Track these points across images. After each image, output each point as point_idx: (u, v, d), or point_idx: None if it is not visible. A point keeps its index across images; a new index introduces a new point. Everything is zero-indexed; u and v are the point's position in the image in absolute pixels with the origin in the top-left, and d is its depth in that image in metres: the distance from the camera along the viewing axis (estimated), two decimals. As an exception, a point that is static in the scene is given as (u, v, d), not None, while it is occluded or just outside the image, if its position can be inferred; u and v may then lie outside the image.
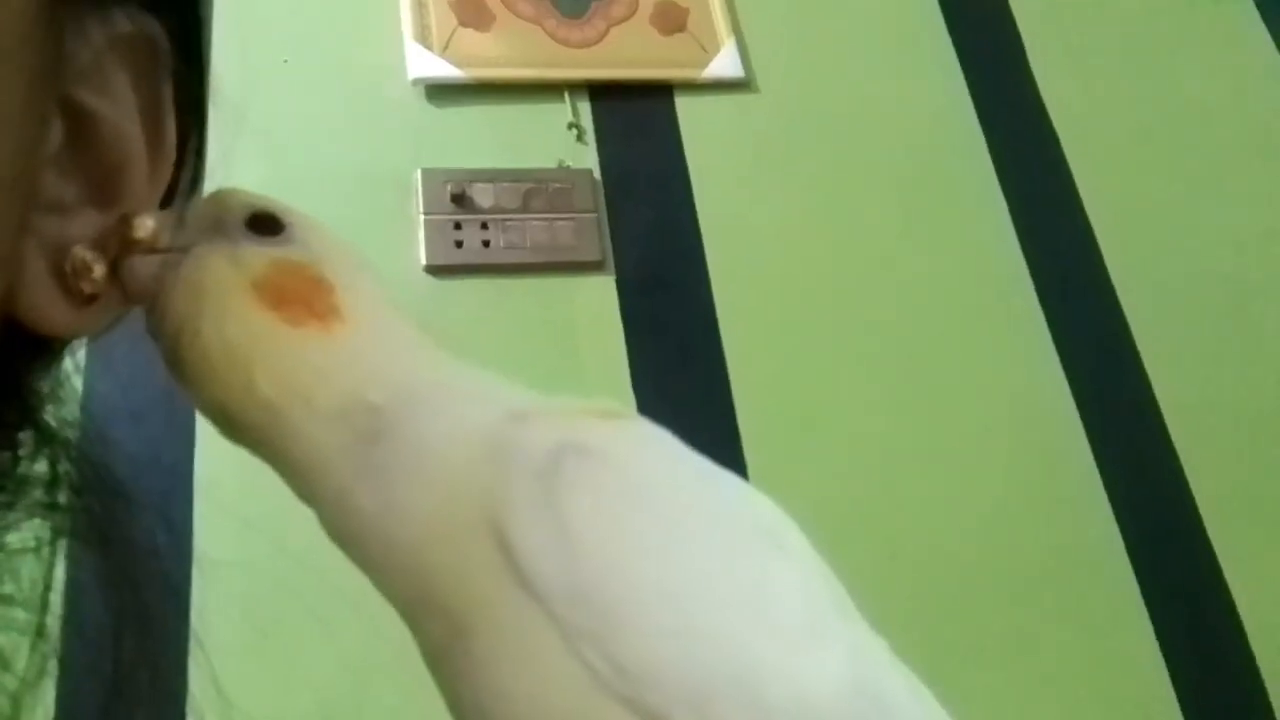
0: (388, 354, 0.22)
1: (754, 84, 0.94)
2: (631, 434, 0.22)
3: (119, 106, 0.20)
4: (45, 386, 0.23)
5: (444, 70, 0.87)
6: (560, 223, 0.84)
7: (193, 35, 0.22)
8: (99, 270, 0.21)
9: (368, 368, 0.22)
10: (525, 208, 0.84)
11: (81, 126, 0.20)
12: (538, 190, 0.84)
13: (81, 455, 0.23)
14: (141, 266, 0.22)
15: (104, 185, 0.21)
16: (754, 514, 0.23)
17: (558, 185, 0.85)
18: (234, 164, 0.86)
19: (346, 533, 0.22)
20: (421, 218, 0.82)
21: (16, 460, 0.22)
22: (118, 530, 0.24)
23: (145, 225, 0.21)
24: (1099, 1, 1.05)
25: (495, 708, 0.21)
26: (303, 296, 0.22)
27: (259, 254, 0.22)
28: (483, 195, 0.83)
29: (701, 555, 0.21)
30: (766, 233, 0.88)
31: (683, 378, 0.82)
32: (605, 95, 0.90)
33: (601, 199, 0.86)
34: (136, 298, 0.22)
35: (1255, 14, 1.05)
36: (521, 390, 0.23)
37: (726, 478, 0.23)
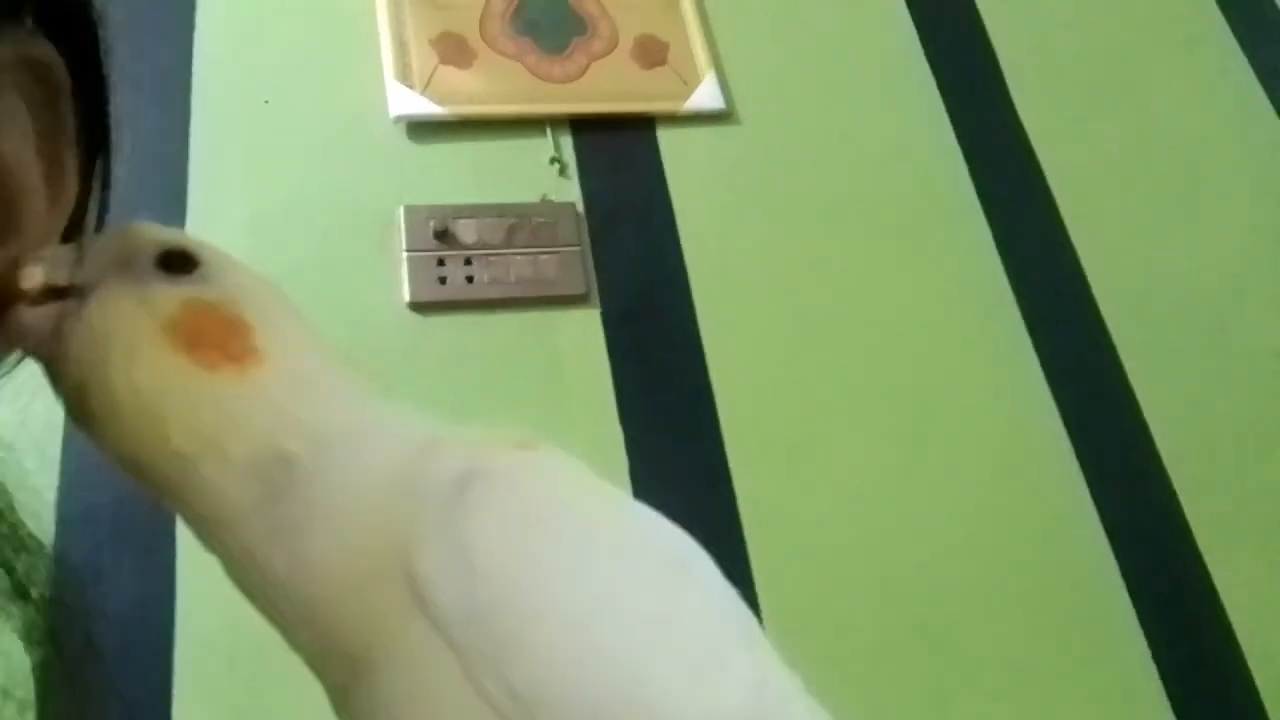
0: (305, 398, 0.22)
1: (735, 115, 0.94)
2: (540, 462, 0.22)
3: (11, 134, 0.19)
4: None
5: (426, 107, 0.87)
6: (544, 256, 0.84)
7: (94, 62, 0.21)
8: None
9: (284, 414, 0.21)
10: (509, 242, 0.84)
11: None
12: (521, 225, 0.84)
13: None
14: (36, 315, 0.20)
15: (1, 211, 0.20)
16: (662, 542, 0.22)
17: (541, 219, 0.85)
18: (217, 202, 0.86)
19: (251, 586, 0.21)
20: (405, 254, 0.82)
21: None
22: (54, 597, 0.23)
23: (33, 276, 0.20)
24: (1077, 28, 1.07)
25: None
26: (217, 338, 0.21)
27: (170, 294, 0.21)
28: (466, 231, 0.83)
29: (604, 581, 0.21)
30: (750, 262, 0.88)
31: (669, 409, 0.82)
32: (587, 129, 0.91)
33: (585, 232, 0.86)
34: (32, 349, 0.21)
35: (1234, 42, 1.07)
36: (437, 423, 0.22)
37: (637, 507, 0.23)
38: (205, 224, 0.79)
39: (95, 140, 0.22)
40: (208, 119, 0.85)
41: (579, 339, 0.82)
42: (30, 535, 0.24)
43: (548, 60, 0.92)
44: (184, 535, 0.68)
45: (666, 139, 0.92)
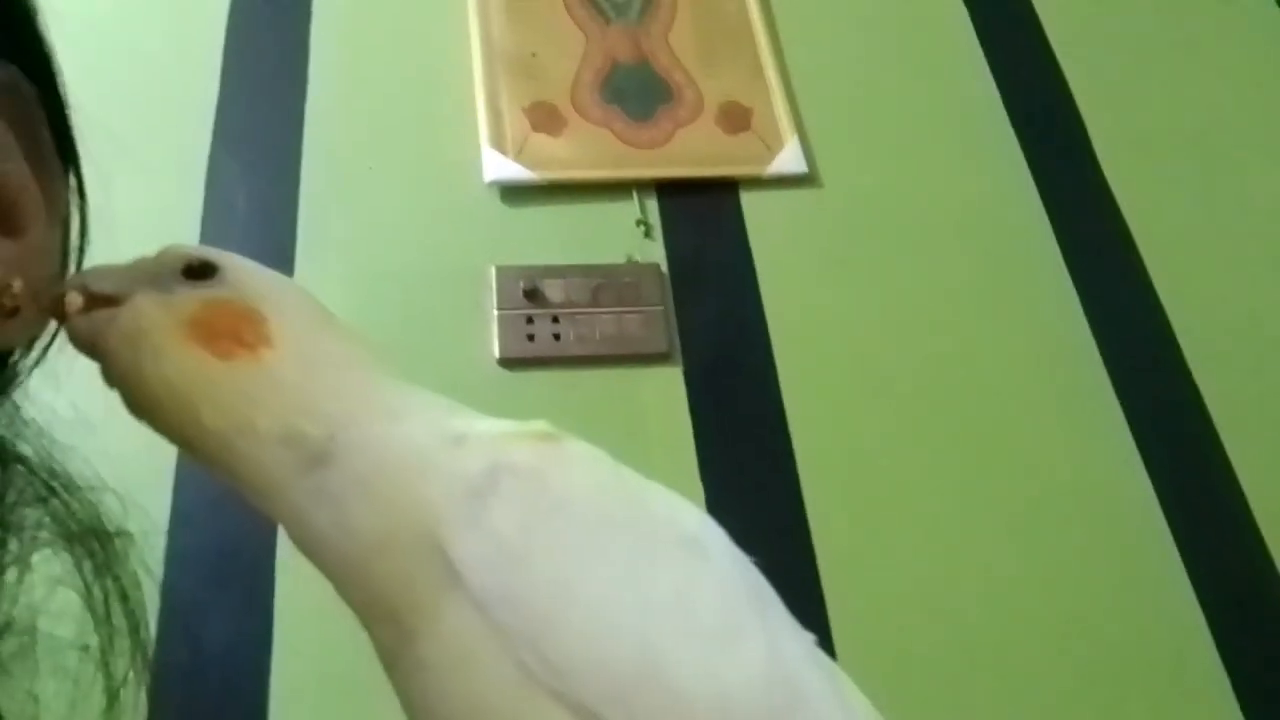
0: (321, 379, 0.24)
1: (817, 178, 0.96)
2: (561, 453, 0.24)
3: (10, 153, 0.23)
4: (2, 419, 0.24)
5: (518, 173, 0.91)
6: (629, 315, 0.86)
7: (51, 84, 0.24)
8: (17, 285, 0.22)
9: (297, 394, 0.23)
10: (595, 301, 0.86)
11: None
12: (607, 285, 0.87)
13: (64, 488, 0.25)
14: (83, 323, 0.24)
15: (5, 217, 0.23)
16: (678, 523, 0.25)
17: (626, 279, 0.88)
18: (322, 262, 0.92)
19: (306, 546, 0.24)
20: (495, 312, 0.85)
21: None
22: (110, 563, 0.26)
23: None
24: (1162, 87, 1.06)
25: (440, 707, 0.22)
26: (232, 330, 0.23)
27: (190, 296, 0.24)
28: (554, 290, 0.87)
29: (625, 561, 0.23)
30: (832, 324, 0.89)
31: (750, 467, 0.83)
32: (672, 193, 0.93)
33: (669, 292, 0.88)
34: (86, 352, 0.24)
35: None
36: (457, 411, 0.24)
37: (654, 490, 0.25)
38: (311, 282, 0.83)
39: (66, 157, 0.25)
40: (315, 184, 0.90)
41: (661, 397, 0.84)
42: (132, 576, 0.27)
43: (635, 127, 0.95)
44: (282, 576, 0.72)
45: (750, 202, 0.94)
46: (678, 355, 0.86)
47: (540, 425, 0.25)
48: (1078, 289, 0.93)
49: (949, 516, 0.81)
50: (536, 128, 0.94)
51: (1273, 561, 0.81)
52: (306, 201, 0.89)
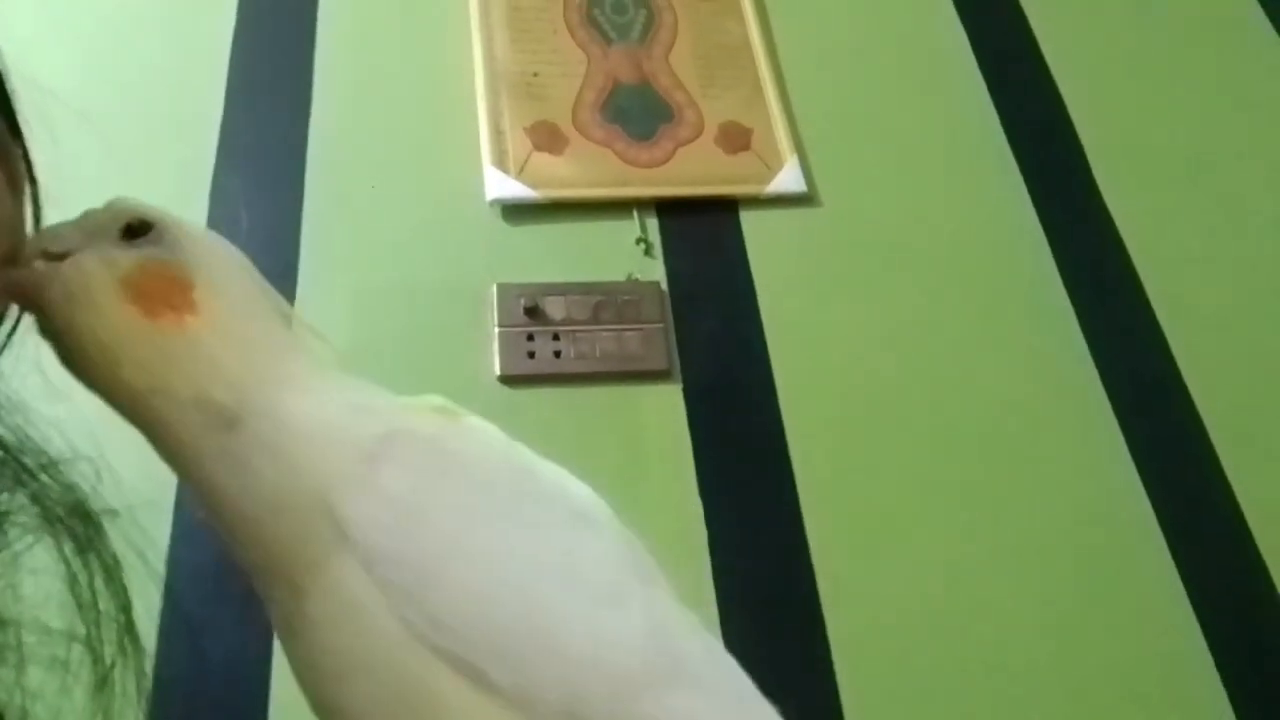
0: (237, 349, 0.25)
1: (817, 198, 0.97)
2: (457, 425, 0.25)
3: None
4: None
5: (519, 191, 0.92)
6: (629, 333, 0.87)
7: None
8: None
9: (213, 362, 0.24)
10: (595, 319, 0.87)
11: None
12: (607, 302, 0.88)
13: (44, 469, 0.26)
14: (28, 275, 0.24)
15: None
16: (567, 494, 0.26)
17: (626, 297, 0.88)
18: (325, 279, 0.92)
19: (209, 504, 0.25)
20: (496, 330, 0.86)
21: None
22: (91, 542, 0.26)
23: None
24: (1160, 109, 1.07)
25: (323, 661, 0.23)
26: (162, 292, 0.24)
27: (127, 255, 0.25)
28: (554, 308, 0.87)
29: (513, 526, 0.24)
30: (832, 342, 0.90)
31: (749, 484, 0.83)
32: (672, 211, 0.94)
33: (669, 310, 0.89)
34: (22, 301, 0.25)
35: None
36: (364, 388, 0.25)
37: (546, 465, 0.26)
38: (314, 298, 0.84)
39: (15, 133, 0.25)
40: (318, 202, 0.91)
41: (661, 413, 0.84)
42: (121, 590, 0.27)
43: (636, 146, 0.96)
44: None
45: (749, 221, 0.95)
46: (678, 373, 0.86)
47: (438, 400, 0.25)
48: (1076, 309, 0.94)
49: (949, 536, 0.81)
50: (538, 147, 0.95)
51: (1275, 588, 0.81)
52: (310, 219, 0.90)
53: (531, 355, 0.85)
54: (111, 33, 0.99)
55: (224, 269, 0.26)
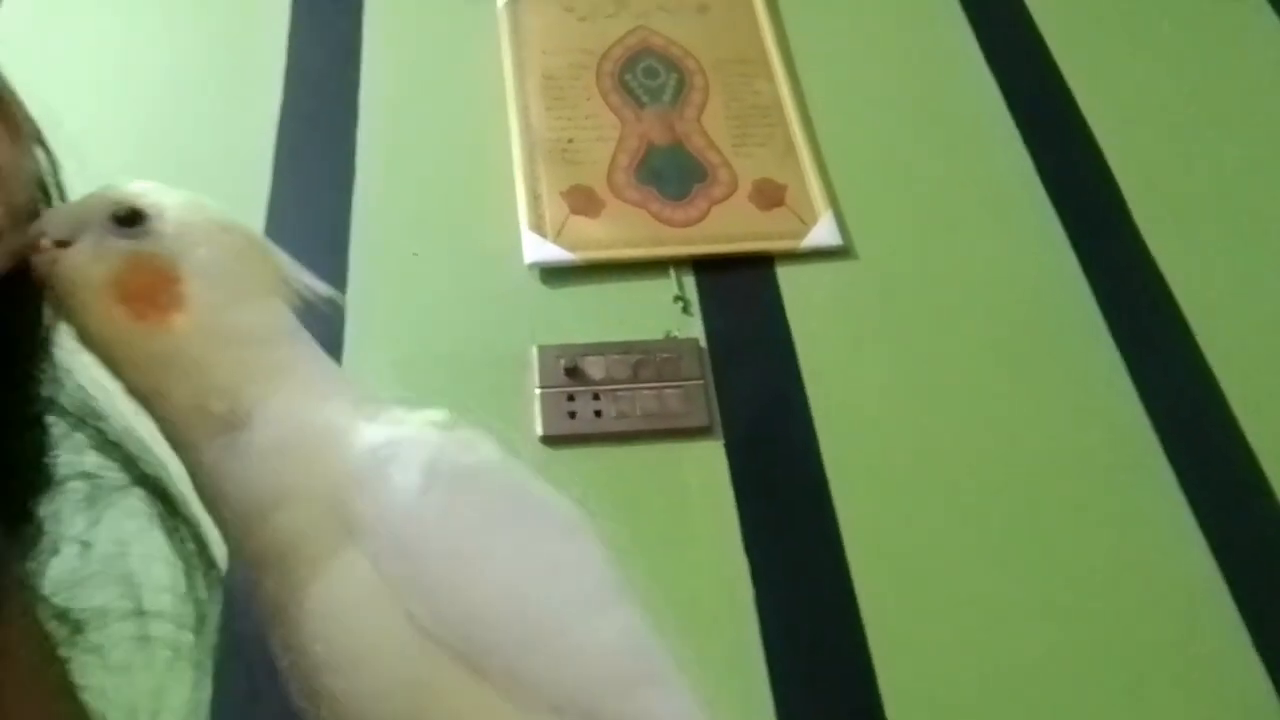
0: (230, 353, 0.25)
1: (853, 251, 0.97)
2: (461, 435, 0.26)
3: None
4: (45, 372, 0.25)
5: (557, 254, 0.93)
6: (668, 391, 0.87)
7: None
8: None
9: (208, 369, 0.24)
10: (635, 378, 0.88)
11: None
12: (646, 361, 0.88)
13: (117, 437, 0.26)
14: (38, 264, 0.25)
15: None
16: (558, 507, 0.27)
17: (665, 355, 0.89)
18: (370, 344, 0.94)
19: (207, 496, 0.25)
20: (537, 391, 0.87)
21: (48, 441, 0.25)
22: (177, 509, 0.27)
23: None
24: (1200, 154, 1.07)
25: (322, 652, 0.24)
26: (147, 290, 0.24)
27: (116, 248, 0.25)
28: (594, 367, 0.88)
29: (512, 530, 0.26)
30: (872, 393, 0.89)
31: (795, 540, 0.83)
32: (709, 269, 0.95)
33: (708, 366, 0.89)
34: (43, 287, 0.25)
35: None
36: (368, 394, 0.26)
37: (536, 479, 0.27)
38: (359, 363, 0.85)
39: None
40: (362, 271, 0.93)
41: (703, 470, 0.84)
42: (206, 549, 0.28)
43: (670, 206, 0.97)
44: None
45: (786, 275, 0.95)
46: (719, 429, 0.86)
47: (441, 412, 0.27)
48: (1122, 355, 0.92)
49: (998, 585, 0.80)
50: (575, 210, 0.96)
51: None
52: (354, 289, 0.92)
53: (573, 415, 0.86)
54: (163, 112, 1.03)
55: (214, 254, 0.25)
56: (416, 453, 0.25)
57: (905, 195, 1.02)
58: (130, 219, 0.25)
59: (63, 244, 0.25)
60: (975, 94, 1.10)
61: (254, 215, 0.95)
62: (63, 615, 0.26)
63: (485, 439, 0.27)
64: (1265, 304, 0.96)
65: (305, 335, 0.27)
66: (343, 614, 0.24)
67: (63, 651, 0.26)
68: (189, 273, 0.25)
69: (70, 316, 0.25)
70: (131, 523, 0.28)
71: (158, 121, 1.02)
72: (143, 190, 0.26)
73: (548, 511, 0.27)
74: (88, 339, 0.25)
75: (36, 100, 0.26)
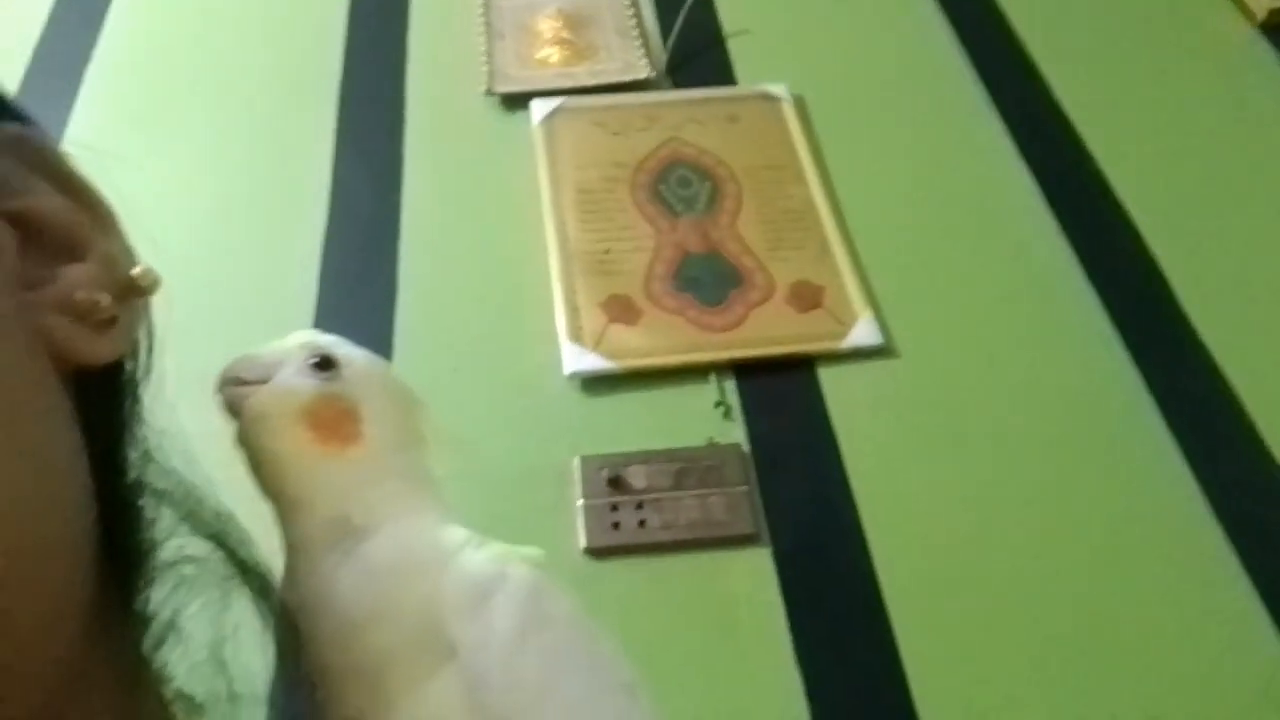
0: (381, 479, 0.29)
1: (894, 350, 0.96)
2: (548, 579, 0.29)
3: (34, 194, 0.25)
4: (134, 446, 0.28)
5: (596, 363, 0.94)
6: (713, 498, 0.86)
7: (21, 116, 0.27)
8: (104, 299, 0.25)
9: (359, 489, 0.29)
10: (678, 485, 0.87)
11: (23, 223, 0.25)
12: (689, 468, 0.87)
13: (206, 510, 0.29)
14: (230, 395, 0.29)
15: (67, 247, 0.26)
16: (621, 667, 0.29)
17: (708, 462, 0.88)
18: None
19: (309, 604, 0.27)
20: (580, 503, 0.86)
21: (139, 516, 0.27)
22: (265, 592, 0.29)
23: (149, 276, 0.27)
24: (1245, 235, 1.05)
25: None
26: (333, 422, 0.29)
27: (310, 386, 0.30)
28: (637, 477, 0.87)
29: (586, 679, 0.28)
30: (920, 494, 0.87)
31: (848, 649, 0.80)
32: (749, 373, 0.95)
33: (752, 472, 0.88)
34: (230, 417, 0.30)
35: None
36: (464, 530, 0.29)
37: (601, 631, 0.29)
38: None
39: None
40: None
41: (751, 578, 0.82)
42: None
43: (708, 312, 0.98)
44: None
45: (827, 377, 0.95)
46: (765, 536, 0.85)
47: (533, 551, 0.29)
48: (1180, 449, 0.90)
49: (1061, 693, 0.76)
50: (613, 319, 0.97)
51: None
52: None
53: (616, 526, 0.85)
54: (212, 232, 1.06)
55: (386, 405, 0.30)
56: (518, 590, 0.28)
57: (944, 291, 1.01)
58: (324, 364, 0.30)
59: (252, 382, 0.30)
60: (1010, 186, 1.10)
61: (299, 327, 0.97)
62: (185, 698, 0.28)
63: (558, 584, 0.30)
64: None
65: (435, 481, 0.31)
66: None
67: None
68: (368, 414, 0.30)
69: (257, 437, 0.29)
70: (229, 613, 0.30)
71: (206, 242, 1.05)
72: (335, 342, 0.31)
73: (613, 668, 0.29)
74: (266, 454, 0.29)
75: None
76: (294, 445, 0.29)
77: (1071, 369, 0.96)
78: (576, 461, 0.88)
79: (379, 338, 0.97)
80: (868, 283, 1.00)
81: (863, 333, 0.96)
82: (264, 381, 0.30)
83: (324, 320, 0.99)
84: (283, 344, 0.31)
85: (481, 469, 0.89)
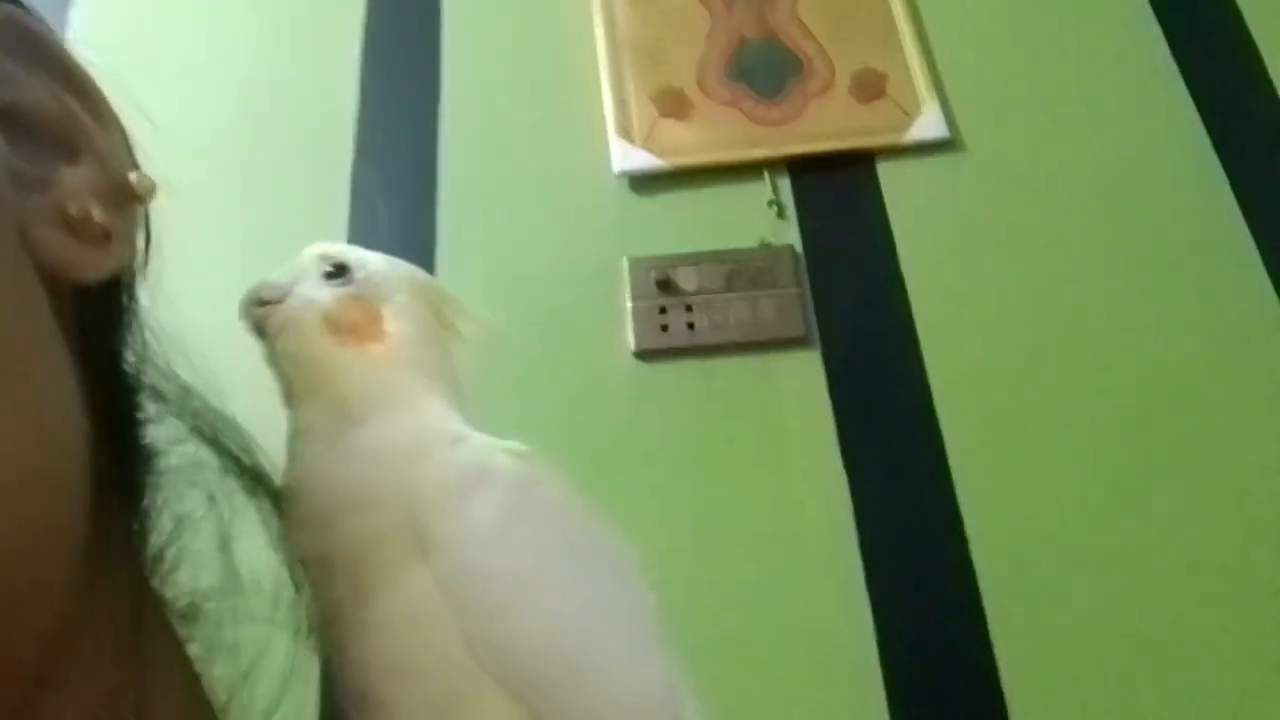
0: (392, 374, 0.29)
1: (961, 143, 0.91)
2: (536, 471, 0.28)
3: (23, 86, 0.23)
4: (132, 352, 0.27)
5: (646, 161, 0.90)
6: (763, 300, 0.84)
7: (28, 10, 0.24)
8: (98, 213, 0.24)
9: (367, 379, 0.29)
10: (728, 288, 0.85)
11: (13, 118, 0.23)
12: (740, 270, 0.86)
13: (205, 410, 0.29)
14: (254, 316, 0.30)
15: (63, 145, 0.24)
16: (615, 550, 0.29)
17: (759, 264, 0.86)
18: (461, 263, 0.93)
19: (295, 485, 0.28)
20: (629, 304, 0.85)
21: (138, 424, 0.27)
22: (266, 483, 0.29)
23: (145, 182, 0.26)
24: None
25: (376, 663, 0.25)
26: (355, 325, 0.30)
27: (328, 294, 0.30)
28: (686, 279, 0.86)
29: (573, 570, 0.28)
30: (980, 299, 0.85)
31: (896, 455, 0.80)
32: (805, 170, 0.91)
33: (804, 274, 0.86)
34: (258, 336, 0.30)
35: None
36: (461, 423, 0.29)
37: (595, 518, 0.28)
38: (451, 283, 0.85)
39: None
40: (452, 189, 0.92)
41: (799, 382, 0.82)
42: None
43: (765, 104, 0.93)
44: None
45: (886, 173, 0.90)
46: (815, 339, 0.83)
47: (518, 445, 0.29)
48: (1260, 249, 0.85)
49: (1106, 491, 0.76)
50: (663, 113, 0.93)
51: None
52: (445, 206, 0.91)
53: (665, 328, 0.84)
54: (251, 51, 1.02)
55: (408, 301, 0.30)
56: (498, 482, 0.27)
57: (1020, 81, 0.94)
58: (338, 271, 0.30)
59: (273, 302, 0.31)
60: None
61: (344, 138, 0.95)
62: (187, 616, 0.28)
63: (557, 476, 0.29)
64: None
65: (460, 374, 0.31)
66: (404, 628, 0.26)
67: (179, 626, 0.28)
68: (390, 313, 0.30)
69: (284, 348, 0.30)
70: (227, 507, 0.30)
71: (250, 59, 1.02)
72: (347, 249, 0.31)
73: (605, 552, 0.29)
74: (291, 361, 0.29)
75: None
76: (317, 348, 0.29)
77: (1158, 171, 0.89)
78: (625, 262, 0.87)
79: (423, 141, 0.94)
80: (936, 70, 0.94)
81: (928, 124, 0.91)
82: (283, 299, 0.30)
83: (367, 128, 0.96)
84: (296, 261, 0.31)
85: (530, 270, 0.88)
